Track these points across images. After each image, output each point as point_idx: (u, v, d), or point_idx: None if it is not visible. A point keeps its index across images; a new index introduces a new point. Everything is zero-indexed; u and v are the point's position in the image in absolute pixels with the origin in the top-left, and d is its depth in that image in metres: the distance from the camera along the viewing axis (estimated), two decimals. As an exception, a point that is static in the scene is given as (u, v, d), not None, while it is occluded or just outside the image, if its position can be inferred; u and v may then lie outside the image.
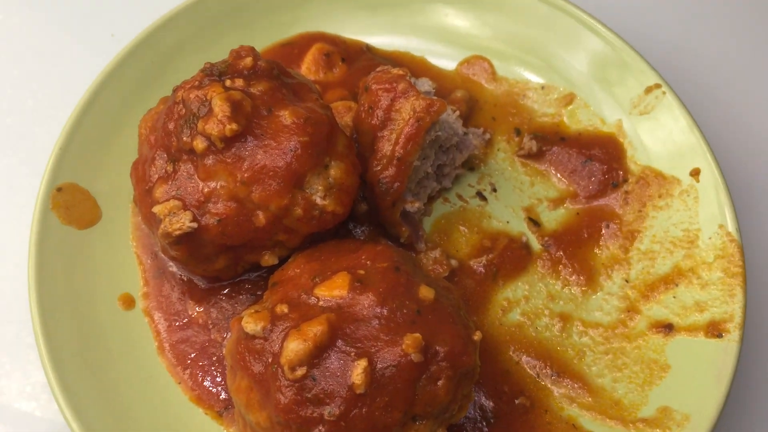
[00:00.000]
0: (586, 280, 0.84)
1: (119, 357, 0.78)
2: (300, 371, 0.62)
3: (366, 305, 0.65)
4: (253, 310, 0.68)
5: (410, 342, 0.63)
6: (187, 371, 0.78)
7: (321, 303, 0.66)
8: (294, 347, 0.62)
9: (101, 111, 0.85)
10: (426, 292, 0.68)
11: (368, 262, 0.70)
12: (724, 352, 0.76)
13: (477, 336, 0.69)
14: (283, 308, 0.66)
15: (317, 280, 0.69)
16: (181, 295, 0.81)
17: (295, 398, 0.62)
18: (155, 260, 0.82)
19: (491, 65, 0.94)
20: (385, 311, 0.65)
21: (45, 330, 0.75)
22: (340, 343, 0.63)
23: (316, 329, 0.63)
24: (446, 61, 0.95)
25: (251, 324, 0.65)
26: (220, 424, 0.76)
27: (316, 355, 0.63)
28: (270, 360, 0.64)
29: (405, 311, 0.66)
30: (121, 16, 1.05)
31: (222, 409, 0.77)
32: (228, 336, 0.78)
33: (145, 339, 0.79)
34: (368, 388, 0.62)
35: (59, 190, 0.81)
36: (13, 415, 0.83)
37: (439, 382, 0.64)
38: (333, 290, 0.67)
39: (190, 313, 0.80)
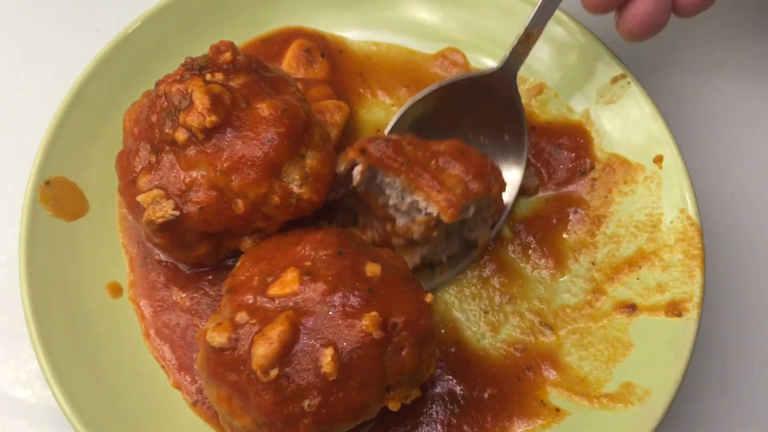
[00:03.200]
0: (555, 264, 0.86)
1: (108, 343, 0.80)
2: (273, 373, 0.64)
3: (319, 296, 0.67)
4: (214, 323, 0.69)
5: (368, 322, 0.65)
6: (171, 355, 0.80)
7: (277, 303, 0.68)
8: (262, 352, 0.64)
9: (86, 105, 0.87)
10: (373, 269, 0.70)
11: (312, 253, 0.71)
12: (683, 330, 0.79)
13: (428, 298, 0.71)
14: (242, 315, 0.67)
15: (269, 280, 0.70)
16: (166, 281, 0.83)
17: (274, 398, 0.64)
18: (141, 249, 0.84)
19: (464, 57, 0.96)
20: (338, 298, 0.67)
21: (36, 318, 0.77)
22: (304, 337, 0.65)
23: (278, 329, 0.65)
24: (421, 53, 0.96)
25: (216, 337, 0.67)
26: (195, 413, 0.78)
27: (284, 355, 0.65)
28: (242, 368, 0.66)
29: (357, 293, 0.67)
30: (104, 12, 1.07)
31: (196, 399, 0.79)
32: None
33: (133, 325, 0.82)
34: (339, 373, 0.65)
35: (47, 183, 0.82)
36: (8, 402, 0.85)
37: (404, 352, 0.67)
38: (285, 288, 0.68)
39: (174, 298, 0.82)
